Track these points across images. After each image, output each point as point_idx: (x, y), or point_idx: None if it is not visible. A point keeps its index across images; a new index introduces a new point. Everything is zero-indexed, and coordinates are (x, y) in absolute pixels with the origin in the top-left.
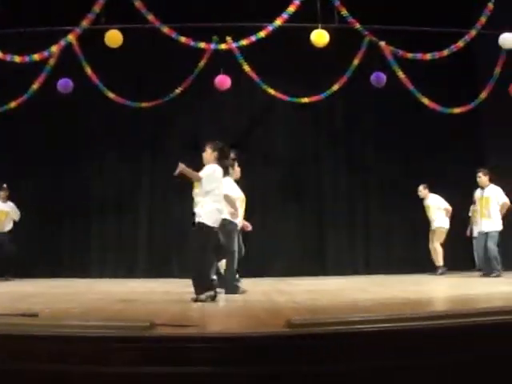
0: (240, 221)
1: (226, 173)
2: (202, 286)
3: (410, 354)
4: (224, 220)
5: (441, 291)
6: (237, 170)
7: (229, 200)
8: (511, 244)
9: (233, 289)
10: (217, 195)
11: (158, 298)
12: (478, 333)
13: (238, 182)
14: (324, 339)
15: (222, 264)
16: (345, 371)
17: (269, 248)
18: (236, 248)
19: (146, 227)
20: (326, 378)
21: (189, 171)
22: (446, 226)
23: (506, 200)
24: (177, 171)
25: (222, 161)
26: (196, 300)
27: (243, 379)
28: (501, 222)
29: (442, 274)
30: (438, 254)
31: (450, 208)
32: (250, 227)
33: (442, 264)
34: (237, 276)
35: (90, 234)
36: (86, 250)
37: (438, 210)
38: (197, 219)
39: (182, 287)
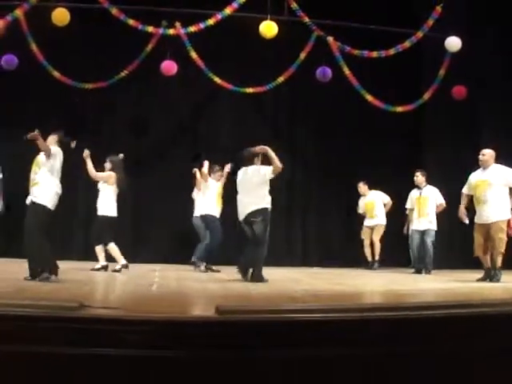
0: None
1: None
2: (40, 267)
3: (338, 344)
4: (265, 209)
5: (374, 285)
6: None
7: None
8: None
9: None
10: (57, 177)
11: (91, 279)
12: (407, 326)
13: None
14: (251, 326)
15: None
16: (271, 359)
17: None
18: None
19: (84, 211)
20: (252, 365)
21: (41, 141)
22: (385, 223)
23: (443, 201)
24: (29, 136)
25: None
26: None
27: (170, 363)
28: (435, 221)
29: (376, 268)
30: (378, 249)
31: (391, 202)
32: None
33: (378, 259)
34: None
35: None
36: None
37: (381, 205)
38: (33, 199)
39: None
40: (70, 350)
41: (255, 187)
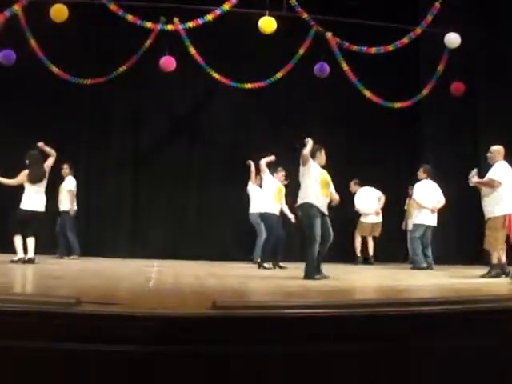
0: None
1: None
2: None
3: (335, 340)
4: (303, 204)
5: (370, 281)
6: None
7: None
8: (443, 239)
9: (311, 274)
10: None
11: (89, 275)
12: (405, 322)
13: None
14: (247, 322)
15: None
16: (266, 354)
17: (207, 232)
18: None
19: (85, 207)
20: (247, 360)
21: None
22: (363, 220)
23: (415, 196)
24: None
25: None
26: None
27: (166, 358)
28: (420, 216)
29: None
30: (355, 244)
31: (383, 197)
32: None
33: (359, 255)
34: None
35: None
36: None
37: (361, 202)
38: None
39: (115, 266)
40: (67, 346)
41: (301, 183)
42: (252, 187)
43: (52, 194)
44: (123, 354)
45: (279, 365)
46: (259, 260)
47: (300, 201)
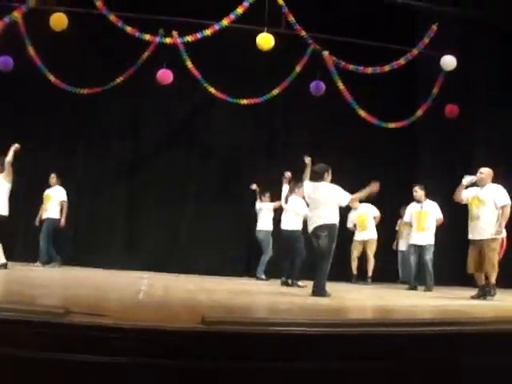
0: None
1: None
2: None
3: (324, 358)
4: (332, 225)
5: (362, 300)
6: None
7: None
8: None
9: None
10: None
11: (79, 285)
12: (394, 342)
13: None
14: (236, 338)
15: None
16: (255, 371)
17: (201, 245)
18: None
19: (83, 216)
20: (235, 377)
21: None
22: (376, 237)
23: (442, 216)
24: None
25: None
26: None
27: (154, 371)
28: (432, 236)
29: (369, 283)
30: (371, 265)
31: (379, 215)
32: None
33: (371, 275)
34: None
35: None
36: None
37: (372, 218)
38: None
39: (103, 276)
40: (55, 356)
41: (326, 203)
42: (261, 205)
43: (34, 201)
44: (110, 365)
45: (266, 381)
46: (292, 280)
47: (326, 221)
